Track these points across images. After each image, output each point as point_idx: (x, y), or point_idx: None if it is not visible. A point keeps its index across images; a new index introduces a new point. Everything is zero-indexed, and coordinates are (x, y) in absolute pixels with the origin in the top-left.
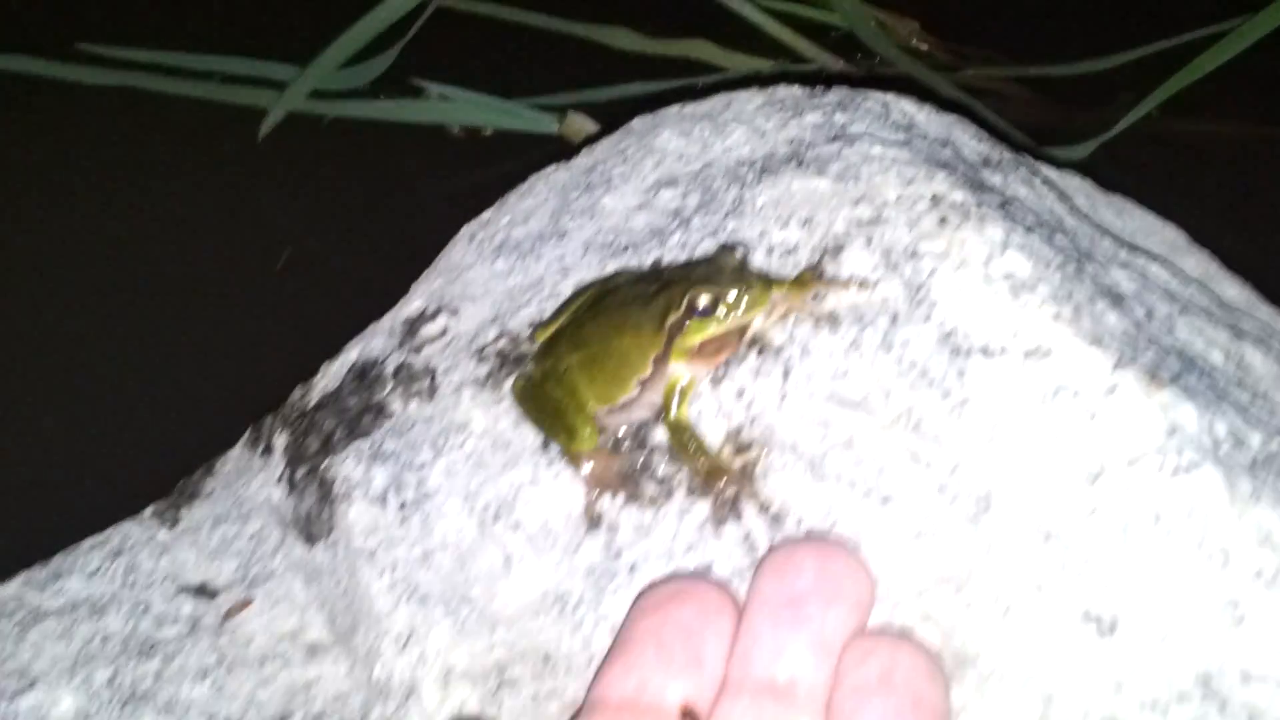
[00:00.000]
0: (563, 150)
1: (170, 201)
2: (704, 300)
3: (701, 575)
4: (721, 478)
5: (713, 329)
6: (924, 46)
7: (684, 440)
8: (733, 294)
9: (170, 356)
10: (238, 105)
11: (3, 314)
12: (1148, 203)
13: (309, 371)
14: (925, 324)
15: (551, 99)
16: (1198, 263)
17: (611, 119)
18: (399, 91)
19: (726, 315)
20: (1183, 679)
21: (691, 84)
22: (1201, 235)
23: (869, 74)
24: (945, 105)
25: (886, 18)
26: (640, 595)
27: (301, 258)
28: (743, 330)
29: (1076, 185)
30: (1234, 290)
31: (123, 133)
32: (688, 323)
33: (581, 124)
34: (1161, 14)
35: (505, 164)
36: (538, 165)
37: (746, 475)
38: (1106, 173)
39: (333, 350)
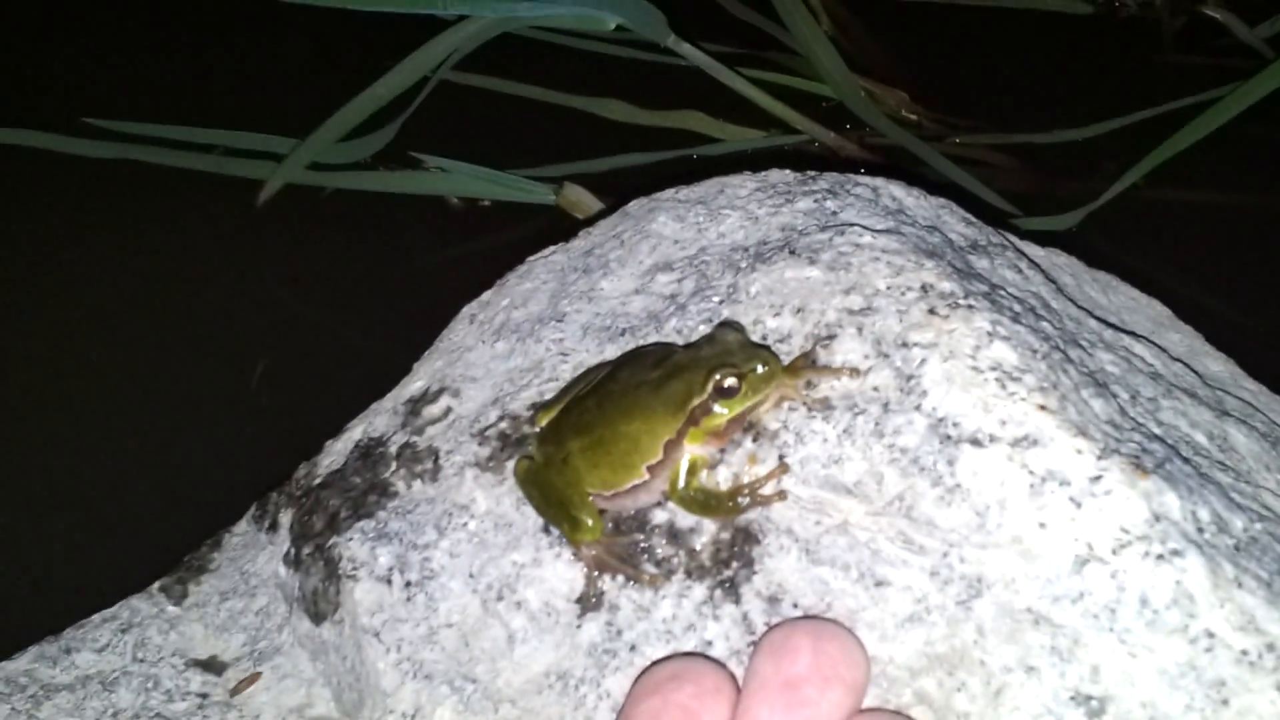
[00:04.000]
0: (560, 220)
1: (173, 274)
2: (730, 382)
3: (700, 656)
4: (740, 507)
5: (738, 408)
6: (913, 116)
7: (698, 501)
8: (759, 369)
9: (171, 431)
10: (242, 178)
11: (9, 388)
12: (1135, 271)
13: (312, 449)
14: (916, 412)
15: (548, 170)
16: (1182, 338)
17: (607, 189)
18: (399, 164)
19: (748, 393)
20: None
21: (686, 155)
22: (1187, 303)
23: (860, 144)
24: (933, 187)
25: (876, 89)
26: (640, 676)
27: (299, 335)
28: (754, 408)
29: (1063, 263)
30: (1218, 365)
31: (127, 205)
32: (715, 406)
33: (578, 195)
34: (1146, 83)
35: (503, 234)
36: (535, 235)
37: (763, 497)
38: (1095, 242)
39: (334, 427)
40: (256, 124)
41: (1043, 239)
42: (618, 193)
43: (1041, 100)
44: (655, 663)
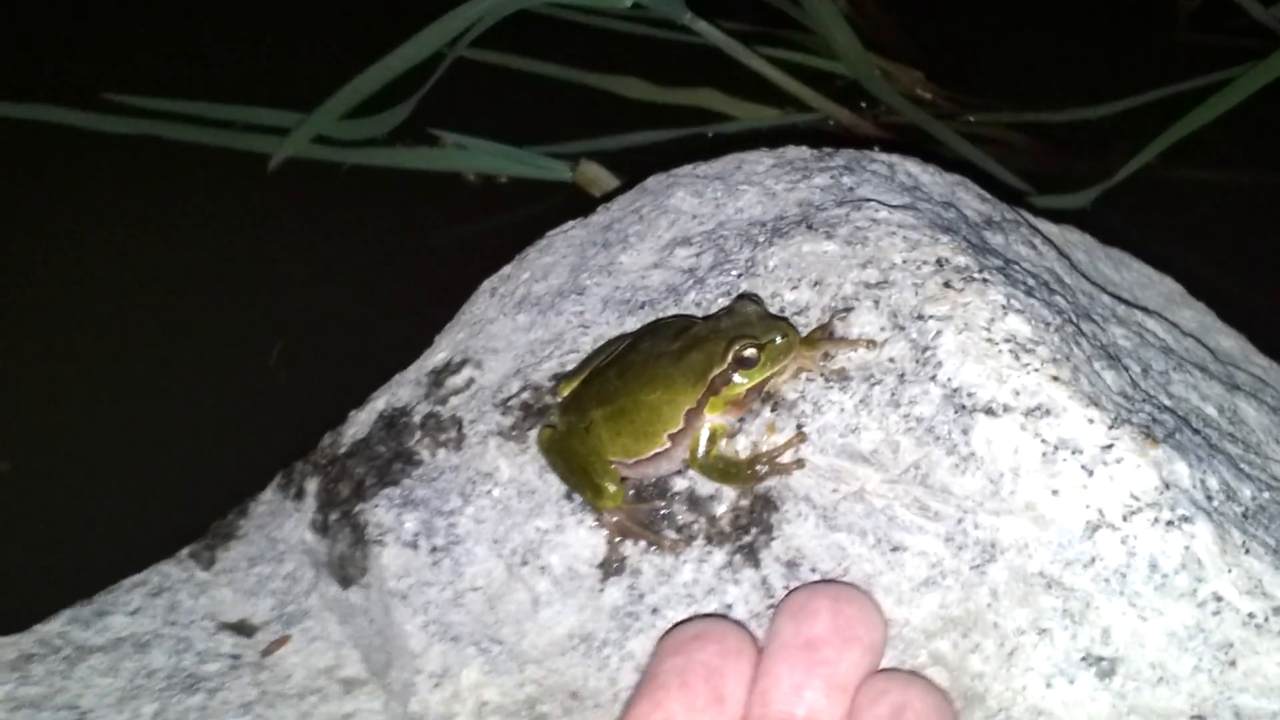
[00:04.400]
0: (577, 197)
1: (192, 248)
2: (750, 352)
3: (723, 617)
4: (759, 475)
5: (757, 377)
6: (927, 95)
7: (717, 468)
8: (777, 340)
9: (193, 404)
10: (261, 154)
11: (35, 360)
12: (1149, 249)
13: (334, 419)
14: (931, 383)
15: (565, 147)
16: (1194, 315)
17: (624, 166)
18: (416, 140)
19: (767, 363)
20: (1178, 718)
21: (701, 133)
22: (1200, 282)
23: (875, 122)
24: (949, 164)
25: (890, 67)
26: (665, 636)
27: (317, 310)
28: (773, 377)
29: (1076, 240)
30: (1230, 341)
31: (147, 179)
32: (735, 375)
33: (595, 172)
34: (1162, 63)
35: (520, 211)
36: (552, 212)
37: (782, 465)
38: (1109, 219)
39: (356, 399)
40: (272, 100)
41: (1057, 217)
42: (634, 170)
43: (1056, 79)
44: (679, 623)
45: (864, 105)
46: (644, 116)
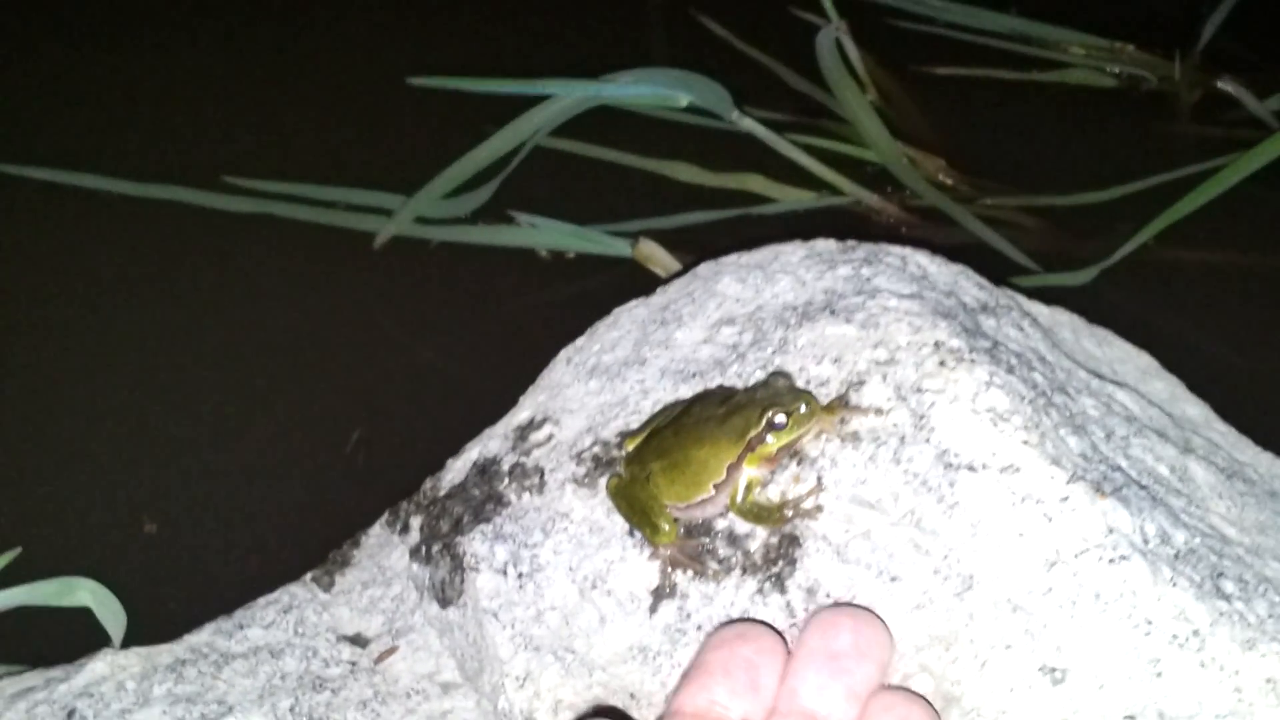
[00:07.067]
0: (635, 270)
1: (299, 313)
2: (780, 418)
3: (761, 621)
4: (786, 517)
5: (785, 439)
6: (948, 181)
7: (753, 512)
8: (802, 408)
9: (307, 452)
10: (361, 231)
11: (177, 415)
12: (1141, 326)
13: (433, 466)
14: (926, 444)
15: (625, 225)
16: (1165, 385)
17: (677, 243)
18: (495, 219)
19: (794, 426)
20: (1114, 718)
21: (746, 213)
22: (1182, 353)
23: (900, 205)
24: (954, 253)
25: (916, 154)
26: (712, 633)
27: (413, 369)
28: (799, 439)
29: (1065, 320)
30: (1195, 409)
31: (261, 252)
32: (768, 437)
33: (651, 249)
34: (1164, 151)
35: (586, 283)
36: (614, 284)
37: (805, 510)
38: (1108, 295)
39: (449, 449)
40: (373, 182)
41: (1060, 293)
42: (686, 246)
43: (1065, 165)
44: (724, 623)
45: (890, 189)
46: (695, 198)
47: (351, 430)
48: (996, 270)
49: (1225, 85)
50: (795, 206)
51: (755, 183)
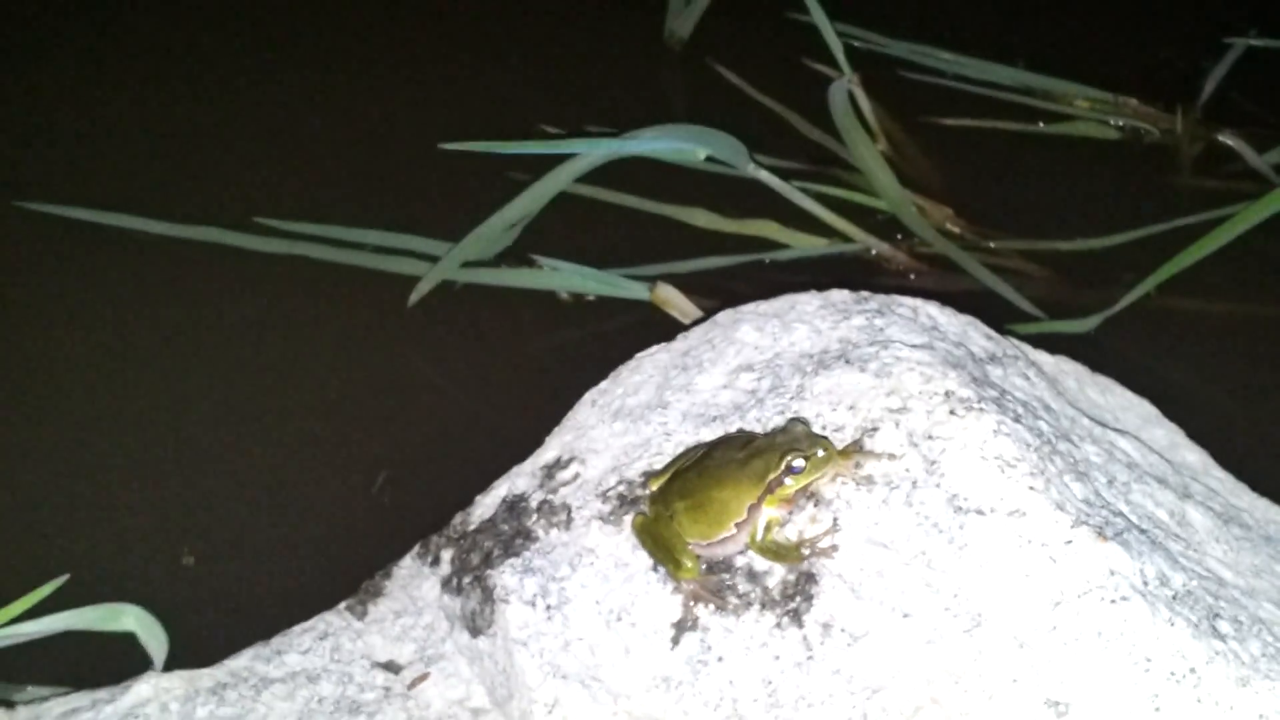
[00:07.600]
0: (653, 314)
1: (330, 353)
2: (799, 462)
3: None
4: (804, 556)
5: (803, 481)
6: (956, 229)
7: (772, 550)
8: (819, 453)
9: (340, 486)
10: (388, 273)
11: (213, 453)
12: (1141, 372)
13: (462, 502)
14: (937, 489)
15: (643, 269)
16: (1165, 433)
17: (693, 287)
18: (516, 262)
19: (811, 470)
20: None
21: (759, 259)
22: (1184, 400)
23: (909, 253)
24: (963, 303)
25: (924, 203)
26: None
27: (439, 407)
28: (816, 482)
29: (1069, 369)
30: (1194, 456)
31: (293, 294)
32: (786, 479)
33: (668, 293)
34: (1165, 202)
35: (605, 325)
36: (633, 327)
37: (821, 549)
38: (1110, 343)
39: (478, 486)
40: (401, 226)
41: (1064, 341)
42: (701, 290)
43: (1070, 215)
44: None
45: (900, 236)
46: (711, 244)
47: (379, 470)
48: (1002, 316)
49: (1226, 138)
50: (808, 253)
51: (769, 229)
